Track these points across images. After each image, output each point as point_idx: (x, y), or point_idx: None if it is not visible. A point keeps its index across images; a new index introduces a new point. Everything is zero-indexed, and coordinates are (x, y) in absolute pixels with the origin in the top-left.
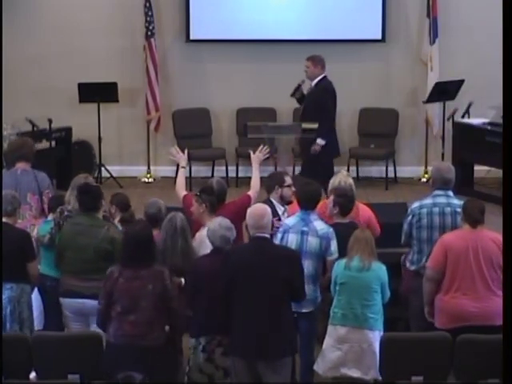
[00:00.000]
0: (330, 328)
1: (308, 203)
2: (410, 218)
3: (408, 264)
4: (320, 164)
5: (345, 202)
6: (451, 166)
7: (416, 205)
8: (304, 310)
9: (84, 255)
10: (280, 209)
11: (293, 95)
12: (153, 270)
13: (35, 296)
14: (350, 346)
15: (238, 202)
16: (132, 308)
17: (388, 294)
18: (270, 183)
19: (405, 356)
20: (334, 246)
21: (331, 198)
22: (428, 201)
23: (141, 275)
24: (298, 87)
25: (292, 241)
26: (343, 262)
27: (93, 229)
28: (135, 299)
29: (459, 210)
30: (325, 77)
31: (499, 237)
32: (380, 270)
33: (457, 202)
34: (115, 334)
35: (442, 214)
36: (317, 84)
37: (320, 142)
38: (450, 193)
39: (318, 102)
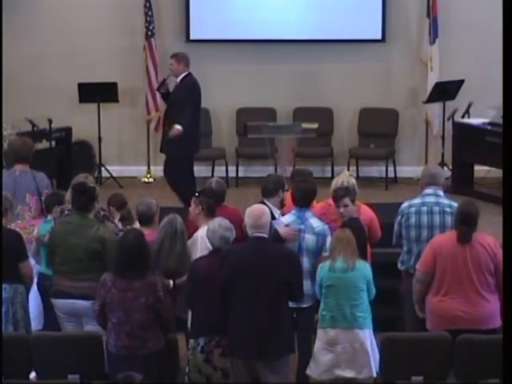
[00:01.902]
0: (319, 331)
1: (304, 201)
2: (399, 217)
3: (399, 264)
4: (181, 159)
5: (354, 194)
6: (439, 166)
7: (405, 204)
8: (304, 305)
9: (74, 255)
10: (276, 212)
11: (158, 89)
12: (146, 282)
13: (35, 296)
14: (342, 348)
15: (236, 211)
16: (126, 319)
17: (374, 291)
18: (274, 187)
19: (405, 356)
20: (329, 242)
21: (346, 200)
22: (417, 200)
23: (134, 287)
24: (164, 81)
25: None
26: (327, 264)
27: (83, 228)
28: (128, 311)
29: (448, 209)
30: (189, 73)
31: (489, 240)
32: (365, 268)
33: (446, 201)
34: (116, 345)
35: (431, 213)
36: (182, 80)
37: (178, 127)
38: (440, 192)
39: (182, 97)
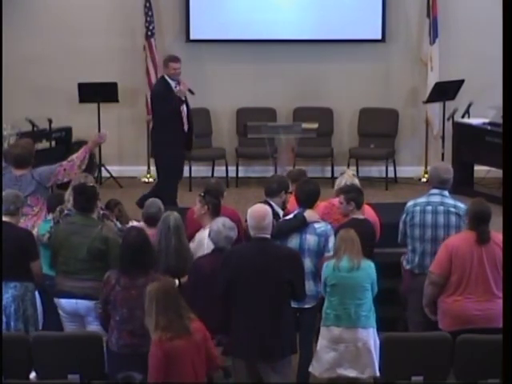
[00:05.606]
0: (322, 329)
1: (307, 202)
2: (404, 216)
3: (404, 263)
4: None
5: (358, 195)
6: (450, 167)
7: (410, 203)
8: (307, 306)
9: (77, 255)
10: (280, 212)
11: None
12: (150, 280)
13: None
14: (345, 347)
15: (235, 211)
16: (129, 317)
17: (376, 289)
18: (278, 188)
19: (405, 356)
20: (331, 242)
21: (341, 197)
22: (422, 199)
23: (137, 284)
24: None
25: (291, 239)
26: (332, 263)
27: (86, 228)
28: (131, 309)
29: (453, 209)
30: None
31: (501, 237)
32: (369, 268)
33: (451, 201)
34: (117, 344)
35: (435, 213)
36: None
37: None
38: (446, 192)
39: None
